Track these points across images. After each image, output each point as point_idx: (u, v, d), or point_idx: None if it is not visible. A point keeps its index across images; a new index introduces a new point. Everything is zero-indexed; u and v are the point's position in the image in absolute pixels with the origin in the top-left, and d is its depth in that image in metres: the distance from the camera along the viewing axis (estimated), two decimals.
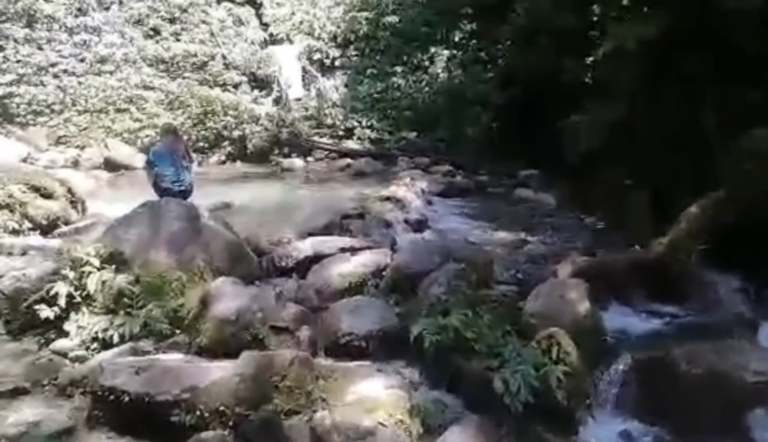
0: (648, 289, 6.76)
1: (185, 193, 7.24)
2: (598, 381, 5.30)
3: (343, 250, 6.82)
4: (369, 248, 7.01)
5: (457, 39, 17.30)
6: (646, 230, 7.70)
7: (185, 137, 14.14)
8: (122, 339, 5.14)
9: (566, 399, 4.71)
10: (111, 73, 16.03)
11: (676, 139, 8.24)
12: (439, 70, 17.02)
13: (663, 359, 5.35)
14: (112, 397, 4.35)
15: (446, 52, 17.12)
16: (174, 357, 4.91)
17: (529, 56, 13.15)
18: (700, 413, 5.15)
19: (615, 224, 9.02)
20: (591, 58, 9.72)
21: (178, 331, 5.35)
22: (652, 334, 6.00)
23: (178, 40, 17.24)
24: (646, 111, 9.00)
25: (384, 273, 6.49)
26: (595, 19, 11.07)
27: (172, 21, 17.60)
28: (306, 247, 6.85)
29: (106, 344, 5.11)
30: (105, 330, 5.15)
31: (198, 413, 4.33)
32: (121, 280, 5.46)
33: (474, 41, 17.07)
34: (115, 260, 5.69)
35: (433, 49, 17.26)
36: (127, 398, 4.32)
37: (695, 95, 8.19)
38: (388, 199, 9.43)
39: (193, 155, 9.31)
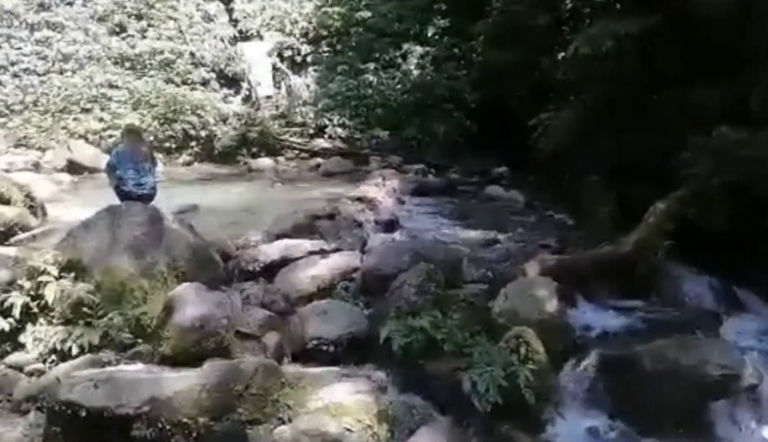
0: (616, 286, 6.83)
1: (148, 197, 7.07)
2: (566, 379, 5.33)
3: (312, 252, 6.72)
4: (339, 250, 6.94)
5: (430, 35, 17.21)
6: (614, 227, 7.77)
7: (151, 138, 13.96)
8: (82, 351, 4.99)
9: (534, 398, 4.74)
10: (74, 71, 15.60)
11: (644, 137, 8.32)
12: (412, 67, 16.88)
13: (629, 355, 5.41)
14: (69, 412, 4.22)
15: (419, 49, 17.00)
16: (135, 368, 4.79)
17: (503, 53, 13.20)
18: (665, 408, 5.22)
19: (584, 221, 9.09)
20: (563, 55, 9.74)
21: (140, 340, 5.22)
22: (619, 331, 6.04)
23: (144, 37, 16.89)
24: (614, 108, 9.08)
25: (354, 275, 6.44)
26: (568, 15, 11.12)
27: (138, 17, 17.24)
28: (274, 250, 6.75)
29: (65, 356, 4.96)
30: (63, 341, 5.00)
31: (159, 425, 4.23)
32: (81, 289, 5.31)
33: (447, 37, 17.03)
34: (74, 267, 5.53)
35: (405, 46, 17.12)
36: (84, 413, 4.19)
37: (663, 93, 8.27)
38: (358, 199, 9.35)
39: (158, 157, 9.13)
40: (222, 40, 17.91)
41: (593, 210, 8.86)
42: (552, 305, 5.69)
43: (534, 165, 11.31)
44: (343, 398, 4.62)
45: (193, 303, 5.22)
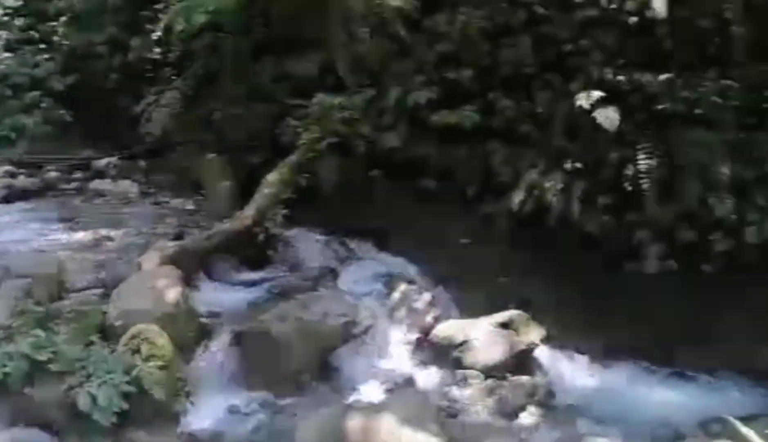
0: (240, 260, 6.91)
1: None
2: (199, 365, 5.17)
3: None
4: None
5: None
6: (237, 202, 7.81)
7: None
8: None
9: (164, 394, 4.45)
10: None
11: (253, 108, 8.54)
12: None
13: (257, 325, 5.53)
14: None
15: None
16: None
17: (88, 34, 12.09)
18: (298, 366, 5.48)
19: (205, 202, 8.94)
20: (157, 34, 9.39)
21: None
22: (248, 304, 6.10)
23: None
24: (218, 83, 9.10)
25: None
26: None
27: None
28: None
29: None
30: None
31: None
32: None
33: (23, 19, 14.89)
34: None
35: None
36: None
37: (264, 65, 8.55)
38: None
39: None
40: None
41: (213, 189, 8.79)
42: (174, 294, 5.40)
43: (146, 151, 10.70)
44: None
45: None
